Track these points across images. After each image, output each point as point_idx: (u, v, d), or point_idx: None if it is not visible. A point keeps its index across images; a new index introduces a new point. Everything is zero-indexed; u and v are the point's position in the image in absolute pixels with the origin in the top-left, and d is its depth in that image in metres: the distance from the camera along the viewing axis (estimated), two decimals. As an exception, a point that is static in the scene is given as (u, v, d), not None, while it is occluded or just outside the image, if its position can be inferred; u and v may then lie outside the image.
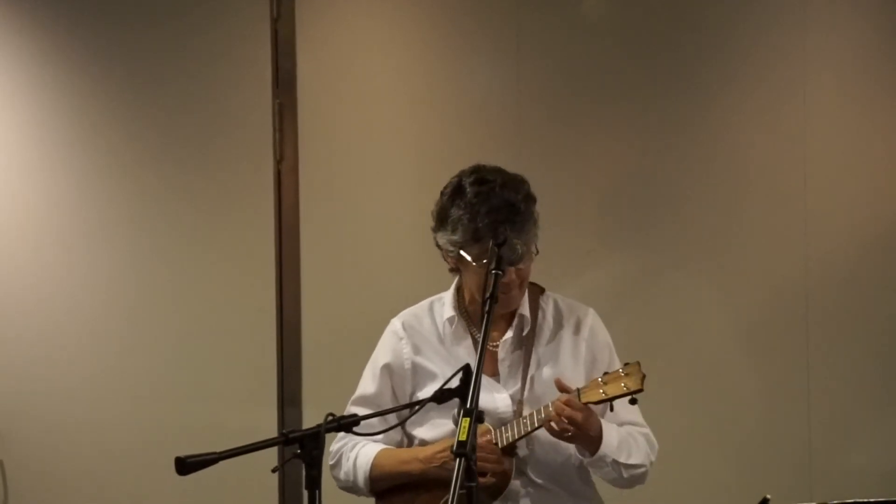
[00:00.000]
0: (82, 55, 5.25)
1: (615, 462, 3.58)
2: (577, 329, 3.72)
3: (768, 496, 3.40)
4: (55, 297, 5.24)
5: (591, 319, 3.75)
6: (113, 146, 5.27)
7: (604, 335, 3.75)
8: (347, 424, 3.07)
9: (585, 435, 3.52)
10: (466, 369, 3.08)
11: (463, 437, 2.95)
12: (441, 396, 3.14)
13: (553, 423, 3.50)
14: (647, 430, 3.72)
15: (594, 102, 5.39)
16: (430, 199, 5.24)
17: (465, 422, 2.96)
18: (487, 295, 3.25)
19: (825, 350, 5.37)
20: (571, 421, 3.48)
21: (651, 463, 3.69)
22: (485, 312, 3.21)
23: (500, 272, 3.32)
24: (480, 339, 3.15)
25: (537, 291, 3.74)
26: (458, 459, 2.94)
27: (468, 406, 3.00)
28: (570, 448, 3.63)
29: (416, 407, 3.30)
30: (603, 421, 3.58)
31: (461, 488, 2.95)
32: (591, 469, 3.63)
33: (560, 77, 5.39)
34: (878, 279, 5.40)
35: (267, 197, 5.29)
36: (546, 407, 3.54)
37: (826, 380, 5.36)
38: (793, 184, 5.38)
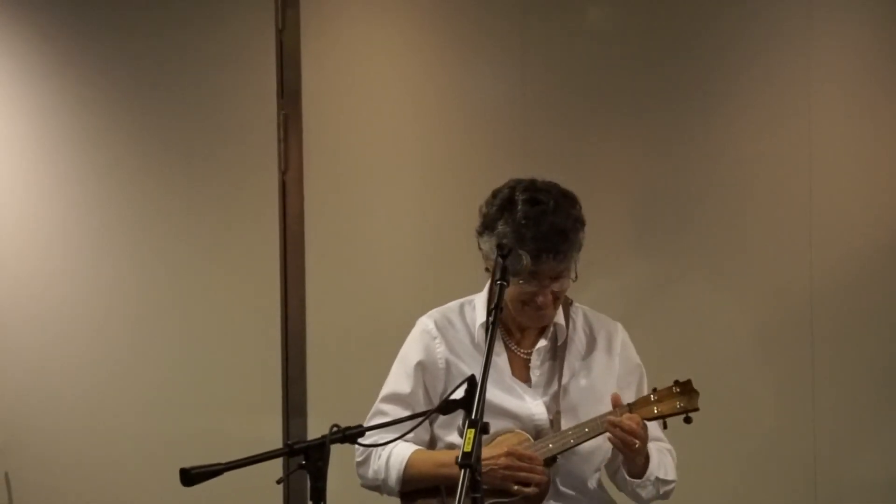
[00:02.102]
0: (87, 65, 5.26)
1: (657, 479, 3.62)
2: (610, 343, 3.73)
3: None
4: (59, 307, 5.25)
5: (622, 335, 3.77)
6: (117, 157, 5.28)
7: (633, 353, 3.77)
8: (352, 435, 3.06)
9: (642, 452, 3.55)
10: (471, 380, 3.07)
11: (468, 448, 2.94)
12: (446, 407, 3.13)
13: (617, 437, 3.51)
14: (668, 445, 3.75)
15: (599, 110, 5.39)
16: (435, 208, 5.28)
17: (470, 433, 2.95)
18: (492, 306, 3.25)
19: (830, 358, 5.36)
20: (638, 436, 3.50)
21: None
22: (490, 324, 3.20)
23: (504, 283, 3.31)
24: (485, 350, 3.14)
25: (567, 302, 3.73)
26: (462, 470, 2.94)
27: (473, 417, 2.99)
28: (599, 460, 3.66)
29: (423, 418, 3.29)
30: None
31: (466, 497, 2.95)
32: (636, 489, 3.62)
33: (565, 85, 5.39)
34: (882, 287, 5.39)
35: (272, 207, 5.29)
36: (590, 422, 3.55)
37: (831, 387, 5.35)
38: (798, 192, 5.38)
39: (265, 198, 5.29)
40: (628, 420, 3.51)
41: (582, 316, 3.75)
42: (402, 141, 5.36)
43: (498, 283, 3.29)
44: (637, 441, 3.51)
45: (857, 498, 5.33)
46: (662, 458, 3.66)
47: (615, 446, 3.55)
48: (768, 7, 5.39)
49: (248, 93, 5.30)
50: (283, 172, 5.32)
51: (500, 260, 3.35)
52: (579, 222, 3.56)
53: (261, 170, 5.29)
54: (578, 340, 3.71)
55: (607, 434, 3.54)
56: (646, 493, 3.64)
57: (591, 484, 3.69)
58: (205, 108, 5.29)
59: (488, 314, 3.28)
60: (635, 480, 3.60)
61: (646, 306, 5.33)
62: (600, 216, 5.30)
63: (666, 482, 3.64)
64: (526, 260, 3.42)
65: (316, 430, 5.13)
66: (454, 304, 3.79)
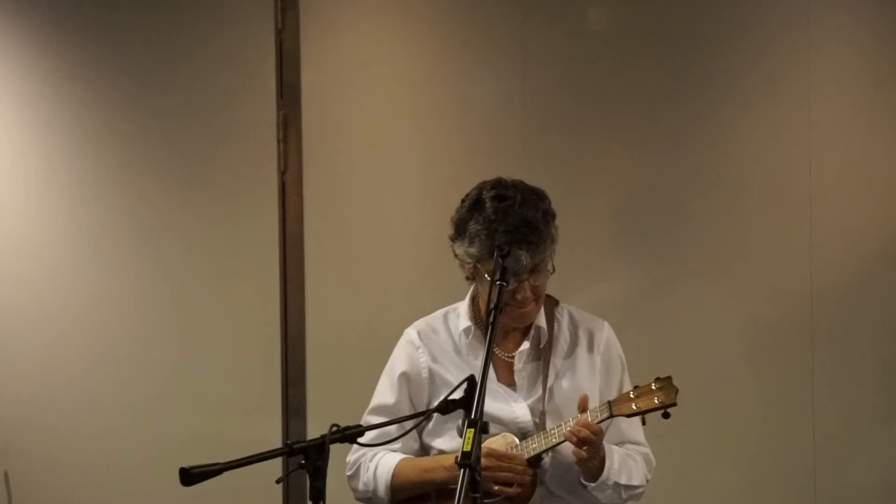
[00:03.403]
0: (87, 66, 5.26)
1: (616, 484, 3.61)
2: (593, 342, 3.74)
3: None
4: (59, 309, 5.25)
5: (607, 333, 3.77)
6: (117, 157, 5.28)
7: (617, 349, 3.77)
8: (352, 435, 3.07)
9: (596, 456, 3.54)
10: (471, 380, 3.08)
11: (467, 448, 2.95)
12: (446, 407, 3.13)
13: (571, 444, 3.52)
14: (647, 449, 3.75)
15: (599, 113, 5.39)
16: (434, 210, 5.24)
17: (470, 433, 2.96)
18: (492, 306, 3.26)
19: (830, 359, 5.36)
20: (587, 441, 3.50)
21: (647, 481, 3.73)
22: (489, 324, 3.21)
23: (504, 283, 3.32)
24: (485, 350, 3.15)
25: (552, 303, 3.75)
26: (462, 470, 2.94)
27: (472, 417, 3.00)
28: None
29: (421, 418, 3.30)
30: (604, 444, 3.60)
31: (466, 497, 2.95)
32: (593, 493, 3.62)
33: (565, 88, 5.39)
34: (883, 288, 5.39)
35: (271, 208, 5.29)
36: (569, 421, 3.55)
37: (831, 390, 5.35)
38: (798, 193, 5.38)
39: (264, 198, 5.29)
40: (585, 427, 3.50)
41: (567, 316, 3.76)
42: (401, 141, 5.36)
43: (497, 283, 3.31)
44: (587, 453, 3.51)
45: (856, 500, 5.33)
46: (627, 463, 3.65)
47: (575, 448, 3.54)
48: (768, 8, 5.39)
49: (248, 93, 5.30)
50: (283, 173, 5.32)
51: (499, 260, 3.36)
52: (549, 214, 3.58)
53: (260, 170, 5.29)
54: (563, 341, 3.72)
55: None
56: (605, 496, 3.63)
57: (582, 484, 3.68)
58: (204, 108, 5.29)
59: (487, 314, 3.29)
60: (590, 484, 3.60)
61: (645, 307, 5.33)
62: (599, 217, 5.33)
63: (629, 487, 3.64)
64: (525, 260, 3.43)
65: (315, 431, 5.12)
66: (439, 312, 3.81)
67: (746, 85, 5.39)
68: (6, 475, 5.20)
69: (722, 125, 5.40)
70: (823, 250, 5.37)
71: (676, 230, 5.38)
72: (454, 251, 3.63)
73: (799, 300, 5.37)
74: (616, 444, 3.70)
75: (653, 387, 3.56)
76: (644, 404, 3.55)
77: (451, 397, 3.13)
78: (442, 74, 5.40)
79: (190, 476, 2.90)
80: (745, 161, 5.39)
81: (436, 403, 3.56)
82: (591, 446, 3.50)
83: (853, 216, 5.39)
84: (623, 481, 3.61)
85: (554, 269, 3.59)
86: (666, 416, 3.56)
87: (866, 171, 5.40)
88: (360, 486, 3.74)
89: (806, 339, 5.36)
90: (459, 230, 3.59)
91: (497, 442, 3.59)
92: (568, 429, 3.51)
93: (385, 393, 3.75)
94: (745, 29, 5.39)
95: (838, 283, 5.38)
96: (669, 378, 3.57)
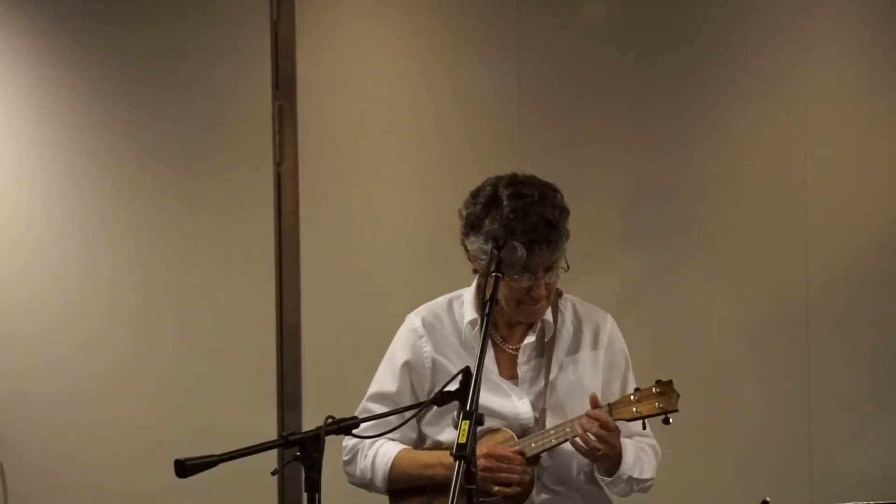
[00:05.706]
0: (82, 58, 5.25)
1: (630, 478, 3.61)
2: (596, 335, 3.73)
3: (768, 499, 3.40)
4: (55, 300, 5.24)
5: (610, 326, 3.76)
6: (113, 149, 5.27)
7: (621, 343, 3.76)
8: (347, 427, 3.07)
9: (612, 454, 3.54)
10: (466, 372, 3.07)
11: (463, 440, 2.94)
12: (441, 399, 3.13)
13: (581, 440, 3.51)
14: (653, 441, 3.73)
15: (595, 104, 5.39)
16: (430, 201, 5.28)
17: (465, 424, 2.95)
18: (487, 298, 3.25)
19: (826, 352, 5.36)
20: (601, 438, 3.50)
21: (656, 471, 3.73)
22: (485, 315, 3.20)
23: (500, 275, 3.31)
24: (480, 343, 3.14)
25: (556, 294, 3.72)
26: (457, 462, 2.94)
27: (468, 409, 3.00)
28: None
29: (417, 410, 3.30)
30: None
31: (461, 491, 2.95)
32: (606, 486, 3.63)
33: (560, 79, 5.39)
34: (878, 281, 5.40)
35: (267, 199, 5.29)
36: (572, 421, 3.54)
37: (827, 382, 5.36)
38: (793, 185, 5.38)
39: (260, 190, 5.29)
40: (587, 420, 3.50)
41: (571, 308, 3.75)
42: (397, 132, 5.36)
43: (493, 274, 3.30)
44: (601, 448, 3.50)
45: (852, 492, 5.31)
46: (640, 457, 3.65)
47: (578, 450, 3.54)
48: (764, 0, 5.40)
49: (243, 84, 5.29)
50: (279, 164, 5.32)
51: (495, 252, 3.35)
52: (565, 211, 3.57)
53: (256, 162, 5.29)
54: (566, 334, 3.71)
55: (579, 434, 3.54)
56: (617, 490, 3.65)
57: (579, 478, 3.68)
58: (200, 100, 5.29)
59: (483, 306, 3.28)
60: (605, 478, 3.60)
61: (641, 300, 5.33)
62: (595, 210, 5.33)
63: (641, 481, 3.64)
64: (521, 251, 3.42)
65: (311, 423, 5.13)
66: (442, 299, 3.78)
67: (742, 75, 5.39)
68: (1, 466, 5.19)
69: (717, 116, 5.40)
70: (819, 242, 5.37)
71: (672, 221, 5.39)
72: (465, 246, 3.61)
73: (795, 292, 5.37)
74: (625, 437, 3.70)
75: (654, 390, 3.54)
76: (645, 409, 3.54)
77: (447, 388, 3.12)
78: (438, 65, 5.39)
79: (185, 468, 2.90)
80: (740, 152, 5.39)
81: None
82: (606, 444, 3.49)
83: (849, 208, 5.39)
84: (636, 475, 3.61)
85: (568, 267, 3.58)
86: (666, 422, 3.55)
87: (862, 162, 5.41)
88: (357, 473, 3.74)
89: (802, 331, 5.36)
90: (474, 226, 3.56)
91: (495, 438, 3.59)
92: (579, 424, 3.50)
93: (386, 380, 3.73)
94: (741, 19, 5.40)
95: (834, 274, 5.39)
96: (671, 382, 3.55)
